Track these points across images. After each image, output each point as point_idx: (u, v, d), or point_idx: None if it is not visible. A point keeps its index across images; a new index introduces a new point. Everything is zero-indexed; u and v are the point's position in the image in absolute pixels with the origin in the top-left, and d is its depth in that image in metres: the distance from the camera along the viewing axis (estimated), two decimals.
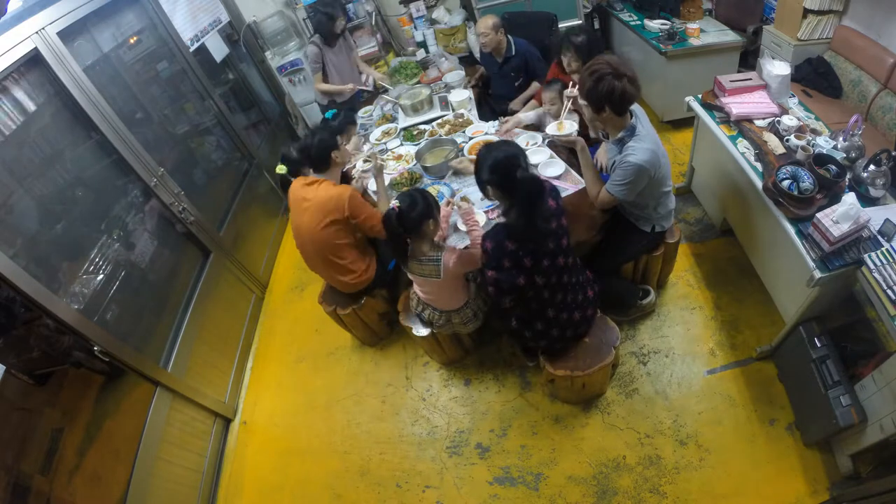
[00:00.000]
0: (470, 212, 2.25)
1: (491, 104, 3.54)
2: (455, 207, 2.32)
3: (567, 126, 2.24)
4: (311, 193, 2.31)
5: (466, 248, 2.15)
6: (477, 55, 3.96)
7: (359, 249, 2.46)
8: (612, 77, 1.79)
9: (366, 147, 3.12)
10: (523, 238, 1.79)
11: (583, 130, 2.34)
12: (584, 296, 2.07)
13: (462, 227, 2.31)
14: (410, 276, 2.20)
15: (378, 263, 2.55)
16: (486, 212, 2.37)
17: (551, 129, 2.29)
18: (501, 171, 1.76)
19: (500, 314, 2.14)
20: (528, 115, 2.91)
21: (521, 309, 2.02)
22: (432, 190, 2.58)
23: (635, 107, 1.98)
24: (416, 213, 1.94)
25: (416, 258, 2.05)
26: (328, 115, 2.88)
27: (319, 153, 2.30)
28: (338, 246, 2.36)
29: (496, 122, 2.99)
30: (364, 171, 2.70)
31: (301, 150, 2.39)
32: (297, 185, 2.39)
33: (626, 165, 1.91)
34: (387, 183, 2.75)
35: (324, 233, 2.30)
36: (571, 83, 2.41)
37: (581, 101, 1.95)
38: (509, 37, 3.17)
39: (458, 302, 2.24)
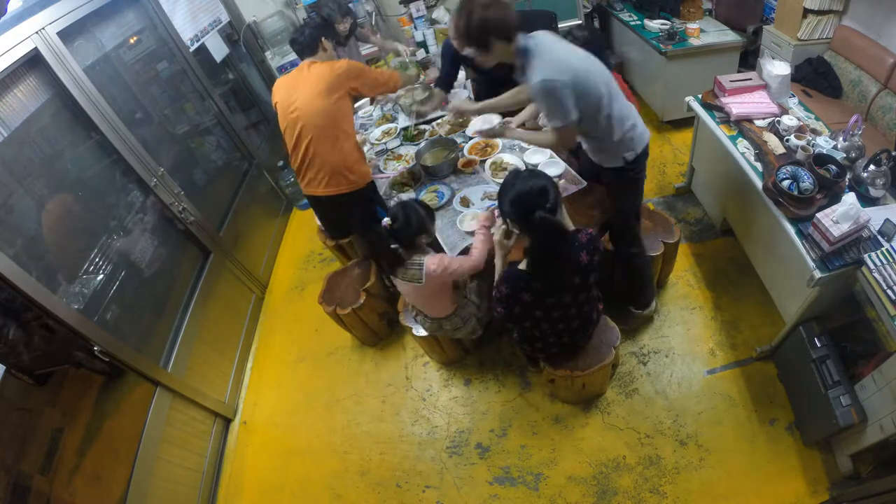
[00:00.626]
0: (487, 227, 2.09)
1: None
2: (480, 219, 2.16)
3: (493, 120, 2.16)
4: (308, 70, 2.31)
5: (465, 250, 2.12)
6: None
7: (352, 140, 2.40)
8: (480, 8, 1.68)
9: (365, 148, 3.12)
10: (540, 289, 1.74)
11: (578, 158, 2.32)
12: (589, 320, 2.03)
13: (466, 228, 2.30)
14: (397, 285, 2.19)
15: (370, 199, 2.52)
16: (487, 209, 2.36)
17: (473, 126, 2.21)
18: (520, 207, 1.64)
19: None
20: (522, 115, 2.87)
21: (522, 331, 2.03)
22: (431, 190, 2.58)
23: (537, 33, 1.80)
24: (411, 230, 1.95)
25: (403, 264, 2.05)
26: None
27: (311, 34, 2.37)
28: (338, 118, 2.29)
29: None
30: None
31: (291, 42, 2.43)
32: (283, 79, 2.39)
33: (534, 92, 1.75)
34: (386, 185, 2.76)
35: (325, 101, 2.24)
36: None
37: (467, 50, 1.80)
38: None
39: (446, 310, 2.23)
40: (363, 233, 2.71)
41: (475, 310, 2.29)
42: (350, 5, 3.80)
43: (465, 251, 2.28)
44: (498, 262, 1.95)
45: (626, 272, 2.35)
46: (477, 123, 2.19)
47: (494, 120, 2.17)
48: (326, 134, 2.29)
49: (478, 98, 3.33)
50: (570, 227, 1.91)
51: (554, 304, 1.81)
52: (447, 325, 2.26)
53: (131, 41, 2.88)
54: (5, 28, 2.01)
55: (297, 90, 2.29)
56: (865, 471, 1.85)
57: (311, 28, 2.42)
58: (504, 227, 1.87)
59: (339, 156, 2.35)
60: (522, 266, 1.76)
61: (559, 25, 3.59)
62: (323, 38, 2.40)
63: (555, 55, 1.74)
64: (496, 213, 2.30)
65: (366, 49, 3.96)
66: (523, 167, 2.53)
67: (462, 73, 3.58)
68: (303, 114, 2.27)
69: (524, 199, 1.64)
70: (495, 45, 1.74)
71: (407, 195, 2.60)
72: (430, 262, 1.99)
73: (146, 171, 2.53)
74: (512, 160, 2.61)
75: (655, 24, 3.55)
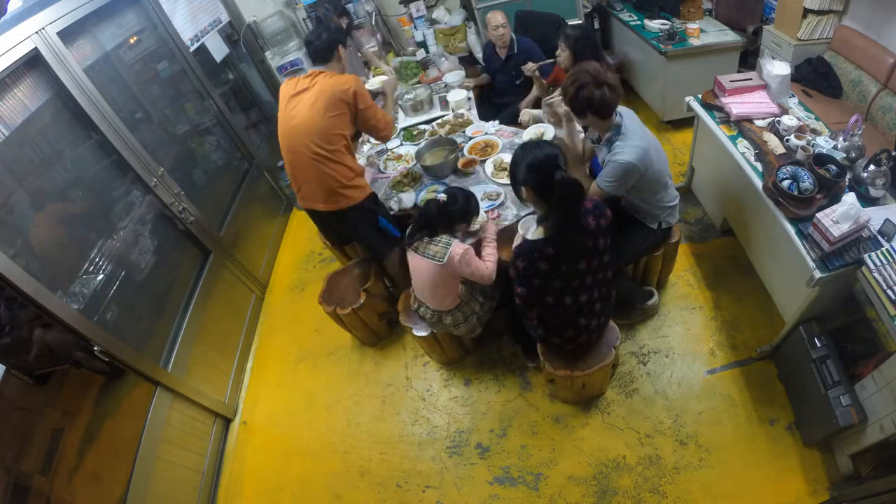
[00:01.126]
0: (492, 238, 2.23)
1: (493, 100, 3.56)
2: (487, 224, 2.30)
3: (548, 133, 2.31)
4: (311, 82, 2.21)
5: (475, 250, 2.15)
6: (478, 55, 3.96)
7: (346, 157, 2.29)
8: (593, 85, 1.87)
9: (366, 147, 3.12)
10: (556, 257, 1.76)
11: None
12: (608, 296, 2.04)
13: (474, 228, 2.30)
14: (411, 261, 2.20)
15: (370, 207, 2.41)
16: (486, 212, 2.37)
17: (530, 133, 2.36)
18: (539, 171, 1.74)
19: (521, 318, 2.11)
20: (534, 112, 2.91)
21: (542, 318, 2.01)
22: (431, 190, 2.58)
23: (623, 109, 2.02)
24: (455, 210, 2.05)
25: (430, 238, 2.09)
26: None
27: (327, 41, 2.26)
28: (334, 138, 2.20)
29: (496, 122, 2.99)
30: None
31: (307, 43, 2.33)
32: (289, 84, 2.28)
33: (614, 164, 1.95)
34: (386, 185, 2.76)
35: (322, 120, 2.16)
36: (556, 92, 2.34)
37: (565, 107, 2.04)
38: (513, 35, 3.23)
39: (449, 304, 2.24)
40: (367, 243, 2.65)
41: (478, 308, 2.29)
42: (349, 6, 3.81)
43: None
44: (565, 134, 2.12)
45: None
46: (531, 133, 2.41)
47: (550, 132, 2.36)
48: (321, 153, 2.20)
49: (480, 99, 3.42)
50: (579, 128, 2.03)
51: (569, 270, 1.81)
52: (448, 319, 2.26)
53: (131, 41, 2.88)
54: (5, 28, 2.01)
55: (299, 102, 2.22)
56: (865, 471, 1.85)
57: (329, 32, 2.29)
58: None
59: (334, 175, 2.25)
60: (532, 237, 1.81)
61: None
62: (340, 46, 2.29)
63: (638, 140, 1.95)
64: (493, 215, 2.31)
65: (366, 49, 3.94)
66: None
67: (461, 73, 3.61)
68: (300, 129, 2.20)
69: (542, 163, 1.74)
70: (590, 117, 1.97)
71: (407, 195, 2.60)
72: (459, 247, 2.05)
73: (146, 171, 2.53)
74: None
75: (655, 24, 3.55)
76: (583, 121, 2.03)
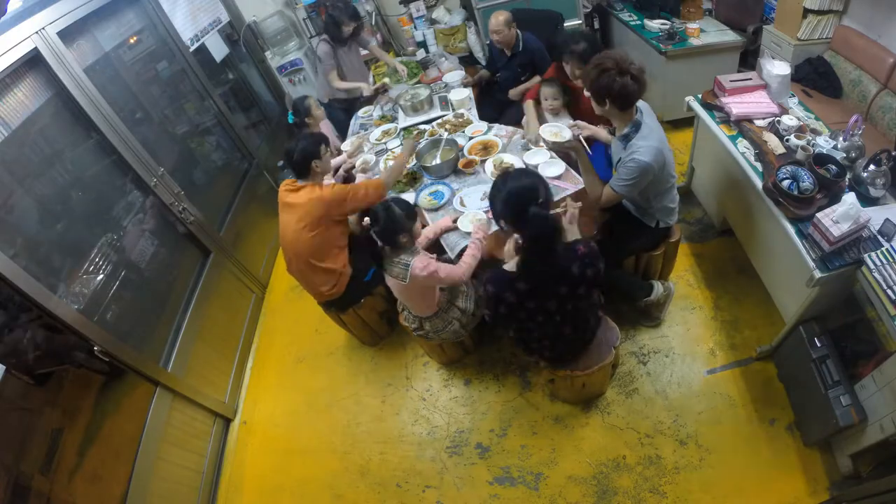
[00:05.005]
0: (483, 229, 2.22)
1: (495, 96, 3.57)
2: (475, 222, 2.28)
3: (564, 133, 2.22)
4: (294, 198, 2.32)
5: (457, 255, 2.13)
6: (478, 55, 3.96)
7: (336, 261, 2.45)
8: (616, 73, 1.81)
9: (366, 147, 3.12)
10: (526, 293, 1.72)
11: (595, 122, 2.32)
12: (584, 328, 1.99)
13: (464, 228, 2.30)
14: (387, 279, 2.20)
15: (352, 278, 2.52)
16: (486, 212, 2.36)
17: (546, 133, 2.27)
18: (513, 205, 1.65)
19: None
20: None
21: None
22: (432, 190, 2.58)
23: (642, 104, 1.98)
24: (390, 230, 1.99)
25: (389, 259, 2.07)
26: (290, 118, 2.99)
27: (300, 160, 2.30)
28: (316, 251, 2.36)
29: (497, 125, 2.98)
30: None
31: (285, 154, 2.36)
32: (283, 188, 2.40)
33: (630, 164, 1.92)
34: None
35: (304, 235, 2.31)
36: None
37: (586, 93, 1.97)
38: (519, 32, 3.21)
39: (428, 311, 2.25)
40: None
41: (459, 314, 2.29)
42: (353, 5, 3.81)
43: (463, 252, 2.28)
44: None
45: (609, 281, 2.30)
46: (548, 133, 2.25)
47: (566, 133, 2.18)
48: (315, 264, 2.38)
49: (481, 98, 3.43)
50: (577, 236, 1.91)
51: (536, 308, 1.77)
52: (427, 326, 2.28)
53: (131, 41, 2.89)
54: (5, 28, 2.01)
55: (290, 215, 2.34)
56: (865, 471, 1.85)
57: (303, 146, 2.30)
58: (516, 238, 1.85)
59: (330, 275, 2.45)
60: (510, 267, 1.75)
61: (565, 24, 3.63)
62: (314, 161, 2.31)
63: (655, 141, 1.91)
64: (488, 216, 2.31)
65: (366, 49, 3.95)
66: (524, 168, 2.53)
67: (462, 73, 3.61)
68: (290, 244, 2.39)
69: (516, 197, 1.65)
70: (609, 107, 1.90)
71: (408, 195, 2.60)
72: (418, 263, 2.00)
73: (146, 171, 2.53)
74: (512, 160, 2.61)
75: (655, 24, 3.55)
76: (601, 109, 1.94)
